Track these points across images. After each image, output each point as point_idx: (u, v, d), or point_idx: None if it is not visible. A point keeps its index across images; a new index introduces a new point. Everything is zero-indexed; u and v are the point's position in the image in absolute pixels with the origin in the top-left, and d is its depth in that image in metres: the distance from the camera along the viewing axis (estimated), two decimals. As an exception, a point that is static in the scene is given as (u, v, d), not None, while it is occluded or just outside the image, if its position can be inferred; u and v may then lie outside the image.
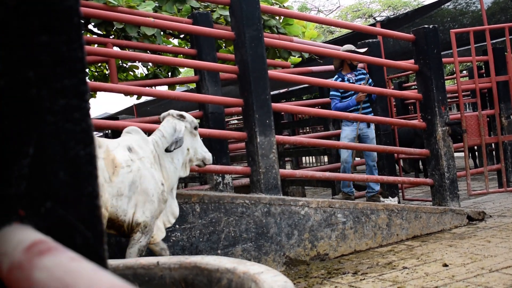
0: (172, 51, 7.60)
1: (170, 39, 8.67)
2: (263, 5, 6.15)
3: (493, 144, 8.87)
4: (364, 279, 4.24)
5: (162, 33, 7.87)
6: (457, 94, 7.25)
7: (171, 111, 4.06)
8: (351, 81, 6.96)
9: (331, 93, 7.07)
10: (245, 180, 5.89)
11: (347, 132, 6.93)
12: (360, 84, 6.79)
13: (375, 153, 6.92)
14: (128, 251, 3.65)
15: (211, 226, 4.54)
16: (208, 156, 4.16)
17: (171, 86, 8.36)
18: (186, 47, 8.24)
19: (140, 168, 3.65)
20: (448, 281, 3.95)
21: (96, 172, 1.10)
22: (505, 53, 7.44)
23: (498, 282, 3.78)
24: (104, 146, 3.56)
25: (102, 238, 1.15)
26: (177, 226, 4.35)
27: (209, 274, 2.67)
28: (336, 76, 7.09)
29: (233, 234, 4.60)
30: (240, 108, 5.56)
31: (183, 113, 4.09)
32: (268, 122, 5.15)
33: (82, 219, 1.08)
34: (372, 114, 7.04)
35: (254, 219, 4.70)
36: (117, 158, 3.55)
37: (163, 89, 8.09)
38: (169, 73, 8.74)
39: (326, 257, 5.04)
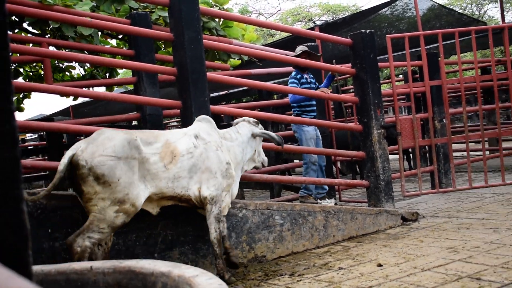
0: (109, 52, 7.49)
1: (108, 40, 8.54)
2: (202, 7, 6.14)
3: (426, 147, 9.11)
4: (300, 280, 4.28)
5: (99, 33, 7.75)
6: (392, 98, 7.42)
7: (247, 118, 5.09)
8: (308, 80, 7.26)
9: (290, 81, 7.26)
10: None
11: (311, 133, 7.08)
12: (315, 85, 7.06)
13: (315, 155, 7.05)
14: (207, 222, 4.39)
15: (147, 229, 4.49)
16: (266, 160, 5.17)
17: (109, 87, 8.23)
18: (124, 48, 8.13)
19: (203, 152, 4.35)
20: (382, 280, 4.03)
21: (21, 175, 1.06)
22: (439, 58, 7.67)
23: (430, 281, 3.89)
24: (162, 141, 4.20)
25: (27, 243, 1.12)
26: (112, 229, 4.29)
27: (144, 278, 2.65)
28: (295, 72, 7.26)
29: (170, 238, 4.57)
30: (179, 110, 5.53)
31: (256, 120, 5.11)
32: (206, 125, 5.13)
33: (6, 223, 1.05)
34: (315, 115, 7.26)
35: (191, 221, 4.68)
36: (177, 148, 4.22)
37: (101, 90, 7.95)
38: (107, 74, 8.60)
39: (263, 259, 5.07)
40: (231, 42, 7.28)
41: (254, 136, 4.93)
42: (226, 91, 12.44)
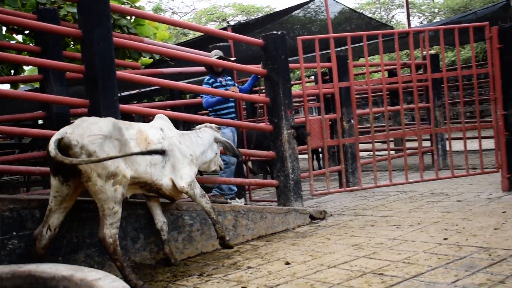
0: (15, 48, 7.22)
1: (13, 35, 8.23)
2: (113, 3, 6.03)
3: (335, 146, 9.33)
4: (209, 280, 4.29)
5: (4, 28, 7.46)
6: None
7: (209, 124, 5.55)
8: (223, 83, 7.29)
9: (203, 85, 7.24)
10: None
11: (227, 135, 7.11)
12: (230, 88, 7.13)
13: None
14: (196, 201, 4.88)
15: (53, 231, 4.35)
16: (222, 164, 5.69)
17: (14, 84, 7.94)
18: (31, 44, 7.85)
19: (170, 144, 4.71)
20: (289, 278, 4.10)
21: None
22: (348, 60, 7.87)
23: (336, 277, 3.99)
24: (135, 128, 4.50)
25: None
26: (14, 233, 4.13)
27: (45, 282, 2.57)
28: (209, 77, 7.28)
29: (76, 240, 4.45)
30: (87, 109, 5.40)
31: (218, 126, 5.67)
32: (115, 124, 5.04)
33: None
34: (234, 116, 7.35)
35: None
36: (149, 137, 4.53)
37: (5, 87, 7.65)
38: (12, 71, 8.28)
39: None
40: (142, 40, 7.18)
41: (216, 142, 5.41)
42: (137, 90, 12.25)
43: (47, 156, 4.00)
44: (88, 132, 4.03)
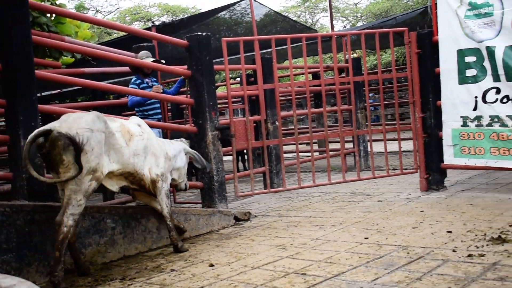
0: None
1: None
2: (32, 0, 5.83)
3: (260, 148, 9.38)
4: (132, 284, 4.21)
5: None
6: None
7: (184, 139, 5.96)
8: (150, 84, 7.32)
9: (130, 86, 7.25)
10: (8, 186, 5.50)
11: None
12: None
13: None
14: (158, 198, 5.16)
15: (-34, 237, 4.17)
16: (188, 184, 6.02)
17: None
18: None
19: (148, 138, 5.02)
20: (213, 280, 4.09)
21: None
22: (272, 63, 7.93)
23: (259, 278, 4.00)
24: (118, 122, 4.78)
25: None
26: None
27: (-46, 289, 2.45)
28: (136, 77, 7.21)
29: (-9, 245, 4.27)
30: (3, 110, 5.19)
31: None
32: (34, 125, 4.89)
33: None
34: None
35: (16, 228, 4.41)
36: (131, 129, 4.83)
37: None
38: None
39: (94, 263, 4.91)
40: (63, 39, 6.97)
41: (186, 152, 5.72)
42: (59, 90, 11.92)
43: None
44: (75, 125, 4.22)
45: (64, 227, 4.19)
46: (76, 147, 4.11)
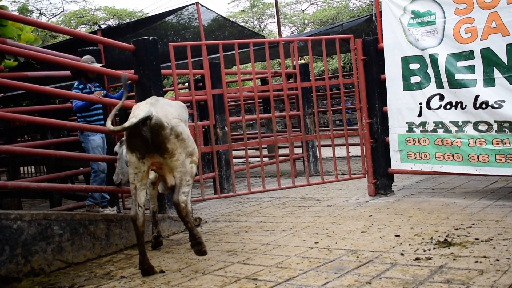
0: None
1: None
2: (-28, 2, 5.66)
3: (210, 153, 9.35)
4: (80, 292, 4.13)
5: None
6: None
7: None
8: (92, 89, 7.20)
9: (73, 91, 7.08)
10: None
11: (97, 142, 6.95)
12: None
13: (105, 164, 6.95)
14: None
15: None
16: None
17: None
18: None
19: None
20: (164, 287, 4.04)
21: None
22: (220, 68, 7.93)
23: (210, 284, 3.98)
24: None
25: None
26: None
27: None
28: (78, 82, 7.10)
29: None
30: None
31: None
32: (-24, 130, 4.74)
33: None
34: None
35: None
36: None
37: None
38: None
39: (41, 271, 4.78)
40: (5, 42, 6.79)
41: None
42: (2, 94, 11.59)
43: (127, 132, 4.49)
44: (170, 114, 4.60)
45: (182, 203, 4.53)
46: (175, 136, 4.52)
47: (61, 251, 4.97)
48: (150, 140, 4.42)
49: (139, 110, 4.46)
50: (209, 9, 11.05)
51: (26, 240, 4.70)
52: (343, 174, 8.76)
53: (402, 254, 4.27)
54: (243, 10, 38.36)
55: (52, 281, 4.51)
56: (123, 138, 5.80)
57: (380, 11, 7.22)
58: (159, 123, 4.42)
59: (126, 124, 4.36)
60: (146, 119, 4.38)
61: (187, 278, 4.21)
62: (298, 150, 11.25)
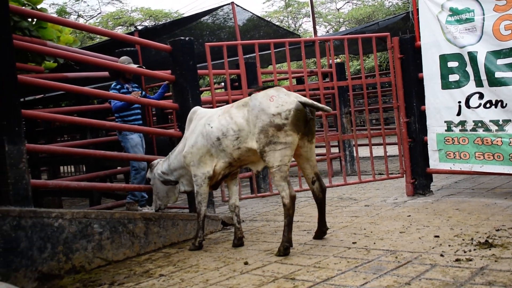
0: None
1: None
2: (12, 5, 5.78)
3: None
4: (120, 290, 4.18)
5: None
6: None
7: None
8: (130, 90, 7.22)
9: (110, 91, 7.16)
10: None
11: (135, 140, 7.00)
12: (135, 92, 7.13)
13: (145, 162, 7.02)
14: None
15: (-50, 243, 4.10)
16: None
17: None
18: None
19: None
20: (202, 285, 4.07)
21: None
22: (256, 67, 7.93)
23: (248, 283, 3.99)
24: None
25: None
26: None
27: None
28: (115, 83, 7.16)
29: (-23, 251, 4.21)
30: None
31: None
32: (17, 130, 4.82)
33: None
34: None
35: (2, 233, 4.35)
36: None
37: None
38: None
39: (82, 269, 4.86)
40: (45, 43, 6.91)
41: None
42: (42, 95, 11.81)
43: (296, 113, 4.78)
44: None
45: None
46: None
47: (101, 249, 5.05)
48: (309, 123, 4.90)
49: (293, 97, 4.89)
50: (244, 9, 11.07)
51: (67, 238, 4.78)
52: (380, 174, 8.69)
53: (442, 255, 4.21)
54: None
55: (93, 279, 4.58)
56: (153, 162, 5.91)
57: (417, 9, 7.13)
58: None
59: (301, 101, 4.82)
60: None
61: (225, 277, 4.22)
62: (334, 150, 11.18)
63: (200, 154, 5.33)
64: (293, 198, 4.88)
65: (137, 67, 7.03)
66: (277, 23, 30.55)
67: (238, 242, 5.36)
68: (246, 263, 4.56)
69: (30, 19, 7.16)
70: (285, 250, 4.73)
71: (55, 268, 4.65)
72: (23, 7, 6.98)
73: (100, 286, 4.32)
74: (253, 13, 11.66)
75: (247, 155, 5.16)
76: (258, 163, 5.29)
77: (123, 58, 7.28)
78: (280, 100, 4.81)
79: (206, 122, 5.34)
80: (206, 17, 10.81)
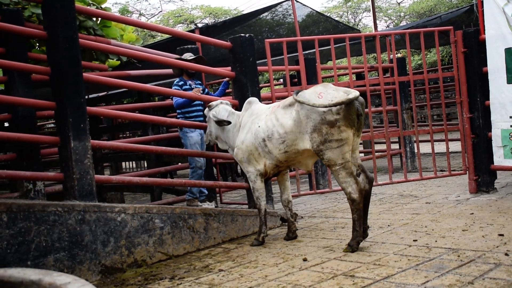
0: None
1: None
2: (78, 5, 5.94)
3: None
4: (181, 283, 4.25)
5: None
6: (272, 102, 7.54)
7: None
8: (192, 86, 7.17)
9: (173, 88, 7.19)
10: (59, 187, 5.63)
11: (195, 139, 7.07)
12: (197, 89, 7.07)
13: (202, 160, 7.08)
14: None
15: (20, 236, 4.26)
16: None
17: (-23, 86, 7.77)
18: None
19: None
20: (261, 281, 4.09)
21: None
22: (316, 63, 7.90)
23: (307, 279, 3.99)
24: None
25: None
26: (-20, 237, 4.04)
27: (12, 287, 2.51)
28: (179, 79, 7.23)
29: (44, 244, 4.36)
30: (53, 112, 5.29)
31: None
32: (83, 126, 4.97)
33: None
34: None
35: (67, 227, 4.51)
36: None
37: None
38: (-25, 73, 8.09)
39: (143, 263, 4.97)
40: (109, 42, 7.09)
41: None
42: (105, 93, 12.11)
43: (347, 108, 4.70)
44: None
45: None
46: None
47: (162, 243, 5.15)
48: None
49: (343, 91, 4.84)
50: (304, 5, 11.04)
51: (129, 232, 4.90)
52: (442, 171, 8.51)
53: (506, 254, 4.09)
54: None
55: (154, 272, 4.68)
56: (211, 103, 6.02)
57: (482, 1, 6.94)
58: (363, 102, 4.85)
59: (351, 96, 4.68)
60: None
61: (284, 273, 4.23)
62: (394, 146, 11.03)
63: (249, 151, 5.38)
64: (362, 192, 4.79)
65: (196, 57, 7.06)
66: (336, 18, 30.30)
67: (293, 235, 5.46)
68: (305, 260, 4.57)
69: (94, 19, 7.36)
70: (357, 244, 4.72)
71: (118, 261, 4.77)
72: (88, 7, 7.18)
73: (161, 280, 4.41)
74: (312, 9, 11.62)
75: (295, 157, 5.17)
76: (306, 163, 5.30)
77: (186, 54, 7.36)
78: (329, 96, 4.73)
79: (255, 120, 5.39)
80: (265, 13, 10.83)
